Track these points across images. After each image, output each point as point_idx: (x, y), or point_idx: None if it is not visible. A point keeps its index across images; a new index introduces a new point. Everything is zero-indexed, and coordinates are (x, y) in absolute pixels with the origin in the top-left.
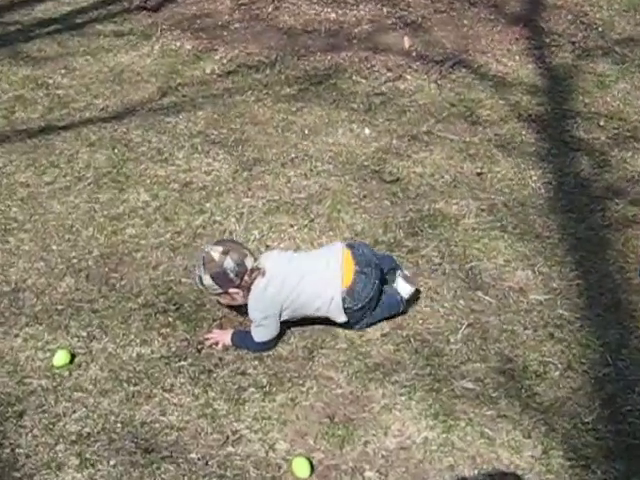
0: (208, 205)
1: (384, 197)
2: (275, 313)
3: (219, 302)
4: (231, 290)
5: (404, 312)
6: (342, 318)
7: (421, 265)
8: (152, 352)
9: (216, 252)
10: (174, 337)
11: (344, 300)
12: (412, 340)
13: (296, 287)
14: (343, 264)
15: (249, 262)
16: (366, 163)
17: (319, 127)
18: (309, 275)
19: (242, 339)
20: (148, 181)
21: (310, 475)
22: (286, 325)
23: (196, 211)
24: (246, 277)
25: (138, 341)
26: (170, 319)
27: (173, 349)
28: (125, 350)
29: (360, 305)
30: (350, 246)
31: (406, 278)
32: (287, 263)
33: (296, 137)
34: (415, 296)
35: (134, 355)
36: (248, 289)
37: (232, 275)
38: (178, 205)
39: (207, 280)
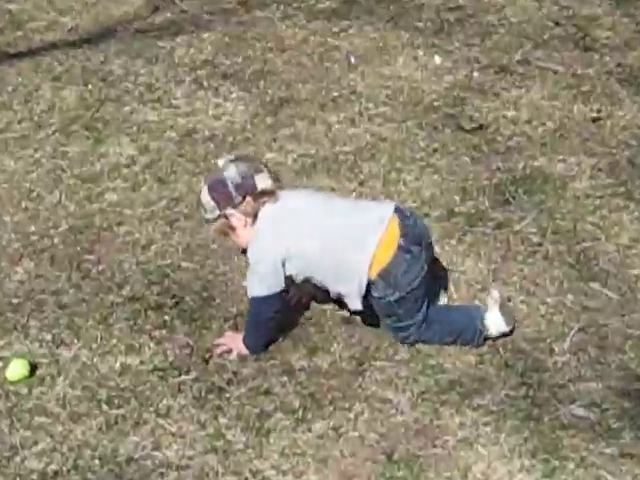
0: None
1: (462, 151)
2: (274, 259)
3: (218, 233)
4: (229, 211)
5: (479, 346)
6: (356, 305)
7: (514, 245)
8: (142, 363)
9: (224, 160)
10: (172, 342)
11: (374, 285)
12: (501, 349)
13: (309, 239)
14: (385, 233)
15: (261, 180)
16: (437, 104)
17: (371, 54)
18: (333, 232)
19: (248, 330)
20: (134, 129)
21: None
22: (325, 329)
23: (200, 170)
24: (249, 198)
25: (122, 347)
26: (166, 318)
27: (171, 359)
28: (105, 360)
29: (398, 295)
30: (399, 211)
31: (503, 307)
32: (312, 203)
33: (339, 68)
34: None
35: (117, 367)
36: (254, 217)
37: (231, 188)
38: (176, 162)
39: (204, 194)
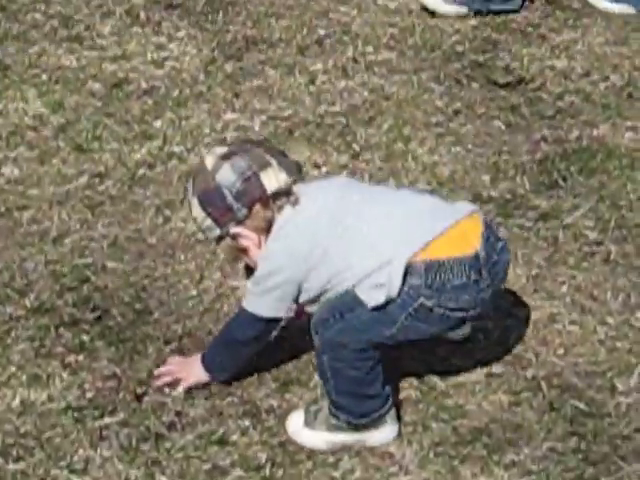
0: (158, 124)
1: (494, 114)
2: (292, 275)
3: (229, 257)
4: (233, 230)
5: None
6: (374, 301)
7: (562, 243)
8: (50, 399)
9: (212, 156)
10: (92, 372)
11: (410, 271)
12: (544, 385)
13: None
14: (460, 225)
15: (270, 178)
16: (460, 49)
17: None
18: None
19: (217, 345)
20: (44, 77)
21: None
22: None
23: (135, 135)
24: (258, 207)
25: (24, 378)
26: (85, 338)
27: (90, 394)
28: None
29: (429, 303)
30: (489, 228)
31: None
32: (342, 197)
33: None
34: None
35: (16, 404)
36: (268, 230)
37: (230, 198)
38: (100, 124)
39: (195, 209)
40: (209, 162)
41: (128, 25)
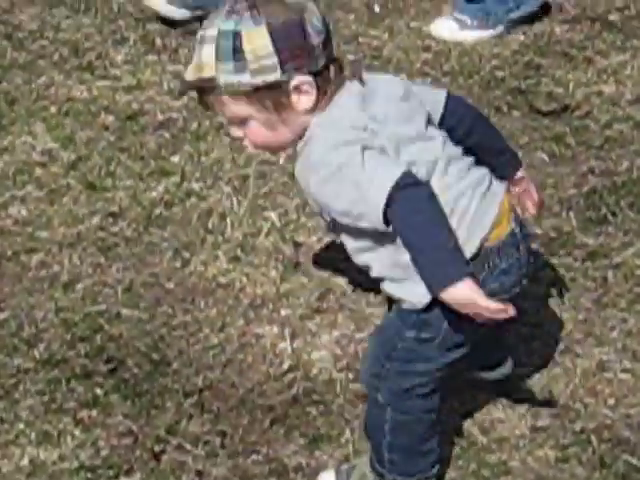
0: (176, 159)
1: (537, 144)
2: (367, 138)
3: (241, 116)
4: (299, 79)
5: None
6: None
7: (612, 284)
8: (61, 458)
9: None
10: (107, 428)
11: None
12: (594, 439)
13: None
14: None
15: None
16: (499, 74)
17: (404, 1)
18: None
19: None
20: (52, 109)
21: None
22: None
23: (151, 171)
24: (333, 69)
25: (33, 436)
26: (98, 391)
27: (104, 453)
28: (7, 453)
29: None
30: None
31: None
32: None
33: (355, 20)
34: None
35: (24, 463)
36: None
37: (314, 38)
38: (115, 159)
39: (260, 39)
40: None
41: (143, 53)
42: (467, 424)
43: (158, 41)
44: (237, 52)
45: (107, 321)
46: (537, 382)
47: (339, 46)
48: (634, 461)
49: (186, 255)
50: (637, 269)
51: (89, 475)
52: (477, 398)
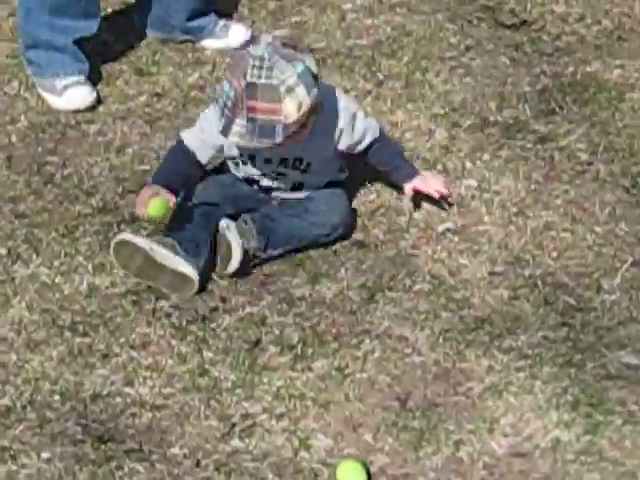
0: (208, 52)
1: (500, 51)
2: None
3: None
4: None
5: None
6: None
7: (559, 163)
8: (112, 285)
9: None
10: None
11: None
12: (540, 283)
13: None
14: None
15: None
16: None
17: None
18: None
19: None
20: None
21: None
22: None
23: (188, 61)
24: None
25: (90, 267)
26: (143, 233)
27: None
28: (69, 279)
29: None
30: None
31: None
32: None
33: None
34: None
35: (83, 288)
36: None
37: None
38: (160, 50)
39: (302, 90)
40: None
41: None
42: (438, 267)
43: None
44: (315, 78)
45: (150, 177)
46: (496, 236)
47: None
48: (571, 301)
49: None
50: (578, 151)
51: (134, 298)
52: (447, 248)
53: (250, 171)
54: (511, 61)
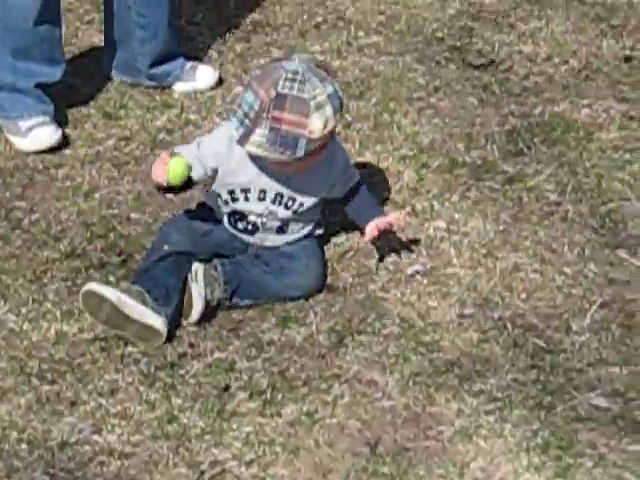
0: (177, 95)
1: (468, 91)
2: None
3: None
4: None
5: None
6: None
7: (527, 204)
8: (80, 331)
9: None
10: None
11: None
12: (509, 325)
13: None
14: None
15: None
16: (439, 34)
17: None
18: None
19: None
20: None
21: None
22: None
23: (156, 104)
24: None
25: (58, 313)
26: (111, 279)
27: None
28: (36, 326)
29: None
30: None
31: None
32: None
33: None
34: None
35: (51, 334)
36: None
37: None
38: (128, 93)
39: (327, 109)
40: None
41: None
42: (407, 310)
43: None
44: (341, 103)
45: (119, 223)
46: (465, 278)
47: (311, 8)
48: (541, 343)
49: None
50: (546, 192)
51: (102, 344)
52: (416, 290)
53: (240, 206)
54: (479, 101)
